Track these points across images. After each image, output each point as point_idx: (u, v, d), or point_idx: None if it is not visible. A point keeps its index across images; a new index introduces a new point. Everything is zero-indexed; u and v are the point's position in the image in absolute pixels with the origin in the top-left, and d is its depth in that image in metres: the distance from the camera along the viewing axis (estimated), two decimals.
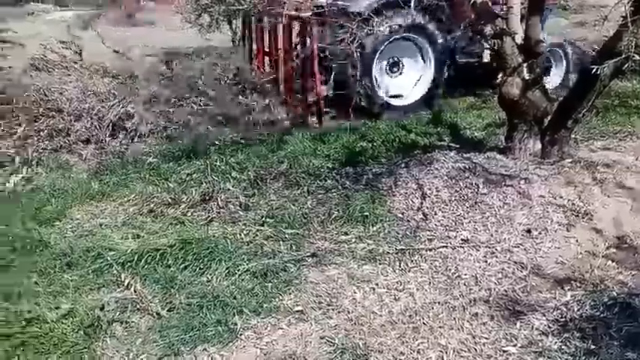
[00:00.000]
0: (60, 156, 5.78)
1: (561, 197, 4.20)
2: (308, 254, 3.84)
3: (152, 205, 4.50)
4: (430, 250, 3.80)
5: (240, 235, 4.02)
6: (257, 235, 4.03)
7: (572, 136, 5.00)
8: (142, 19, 14.91)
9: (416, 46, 7.25)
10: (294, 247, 3.91)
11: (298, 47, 7.05)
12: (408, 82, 7.41)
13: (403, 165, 4.80)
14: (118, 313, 3.22)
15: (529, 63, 4.63)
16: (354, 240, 4.04)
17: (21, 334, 3.02)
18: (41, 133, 5.89)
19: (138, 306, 3.29)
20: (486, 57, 7.39)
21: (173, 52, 8.70)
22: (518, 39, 4.61)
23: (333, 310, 3.31)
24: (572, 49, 7.86)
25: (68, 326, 3.07)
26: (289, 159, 5.21)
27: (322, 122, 6.82)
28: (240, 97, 6.79)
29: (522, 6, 4.81)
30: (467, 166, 4.52)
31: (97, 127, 5.99)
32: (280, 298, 3.41)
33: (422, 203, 4.23)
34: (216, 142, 5.81)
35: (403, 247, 3.84)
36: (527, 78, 4.67)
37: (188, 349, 2.96)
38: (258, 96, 6.90)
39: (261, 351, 2.99)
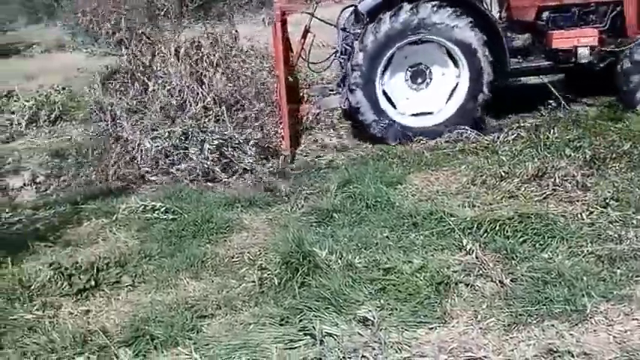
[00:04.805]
0: None
1: None
2: None
3: (484, 177, 4.44)
4: None
5: (580, 215, 3.69)
6: (600, 218, 3.64)
7: None
8: None
9: (445, 51, 5.42)
10: None
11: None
12: (437, 96, 5.58)
13: None
14: (463, 276, 3.25)
15: None
16: None
17: (381, 281, 3.24)
18: None
19: (481, 272, 3.26)
20: (584, 56, 5.35)
21: None
22: None
23: None
24: None
25: (421, 280, 3.19)
26: (632, 138, 4.55)
27: (291, 147, 5.35)
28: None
29: None
30: None
31: None
32: (632, 287, 3.02)
33: None
34: None
35: None
36: None
37: (535, 321, 2.82)
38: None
39: (614, 339, 2.69)
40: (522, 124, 5.29)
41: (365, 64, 5.34)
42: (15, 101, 7.55)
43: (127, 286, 3.34)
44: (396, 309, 2.98)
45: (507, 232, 3.59)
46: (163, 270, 3.50)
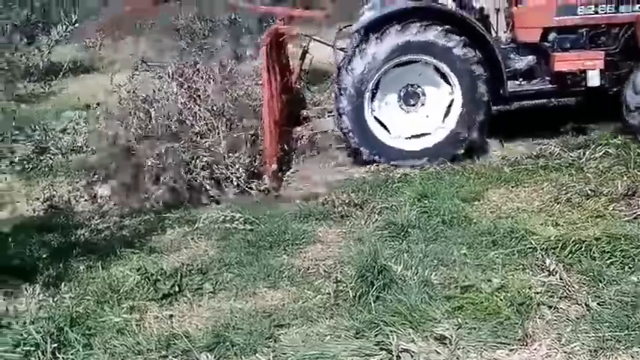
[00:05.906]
0: None
1: None
2: None
3: (569, 195, 4.30)
4: None
5: None
6: None
7: None
8: None
9: (437, 72, 5.28)
10: None
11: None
12: (429, 119, 5.43)
13: None
14: (545, 297, 3.15)
15: None
16: None
17: (459, 299, 3.20)
18: None
19: (565, 294, 3.16)
20: (594, 79, 5.00)
21: None
22: None
23: None
24: None
25: (500, 300, 3.12)
26: None
27: (278, 181, 5.14)
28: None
29: None
30: None
31: None
32: None
33: None
34: None
35: None
36: None
37: (624, 347, 2.71)
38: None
39: None
40: (611, 141, 5.08)
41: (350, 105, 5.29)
42: None
43: (208, 292, 3.48)
44: (475, 328, 2.94)
45: (594, 253, 3.46)
46: (242, 278, 3.62)
